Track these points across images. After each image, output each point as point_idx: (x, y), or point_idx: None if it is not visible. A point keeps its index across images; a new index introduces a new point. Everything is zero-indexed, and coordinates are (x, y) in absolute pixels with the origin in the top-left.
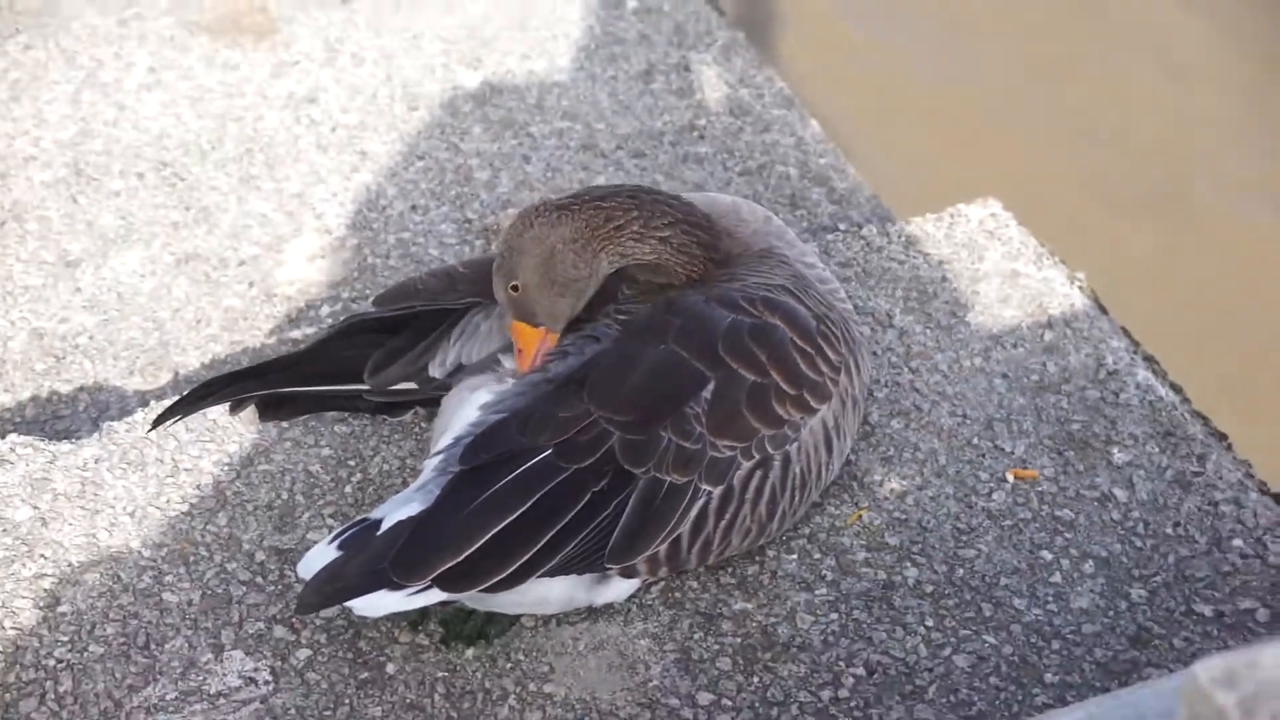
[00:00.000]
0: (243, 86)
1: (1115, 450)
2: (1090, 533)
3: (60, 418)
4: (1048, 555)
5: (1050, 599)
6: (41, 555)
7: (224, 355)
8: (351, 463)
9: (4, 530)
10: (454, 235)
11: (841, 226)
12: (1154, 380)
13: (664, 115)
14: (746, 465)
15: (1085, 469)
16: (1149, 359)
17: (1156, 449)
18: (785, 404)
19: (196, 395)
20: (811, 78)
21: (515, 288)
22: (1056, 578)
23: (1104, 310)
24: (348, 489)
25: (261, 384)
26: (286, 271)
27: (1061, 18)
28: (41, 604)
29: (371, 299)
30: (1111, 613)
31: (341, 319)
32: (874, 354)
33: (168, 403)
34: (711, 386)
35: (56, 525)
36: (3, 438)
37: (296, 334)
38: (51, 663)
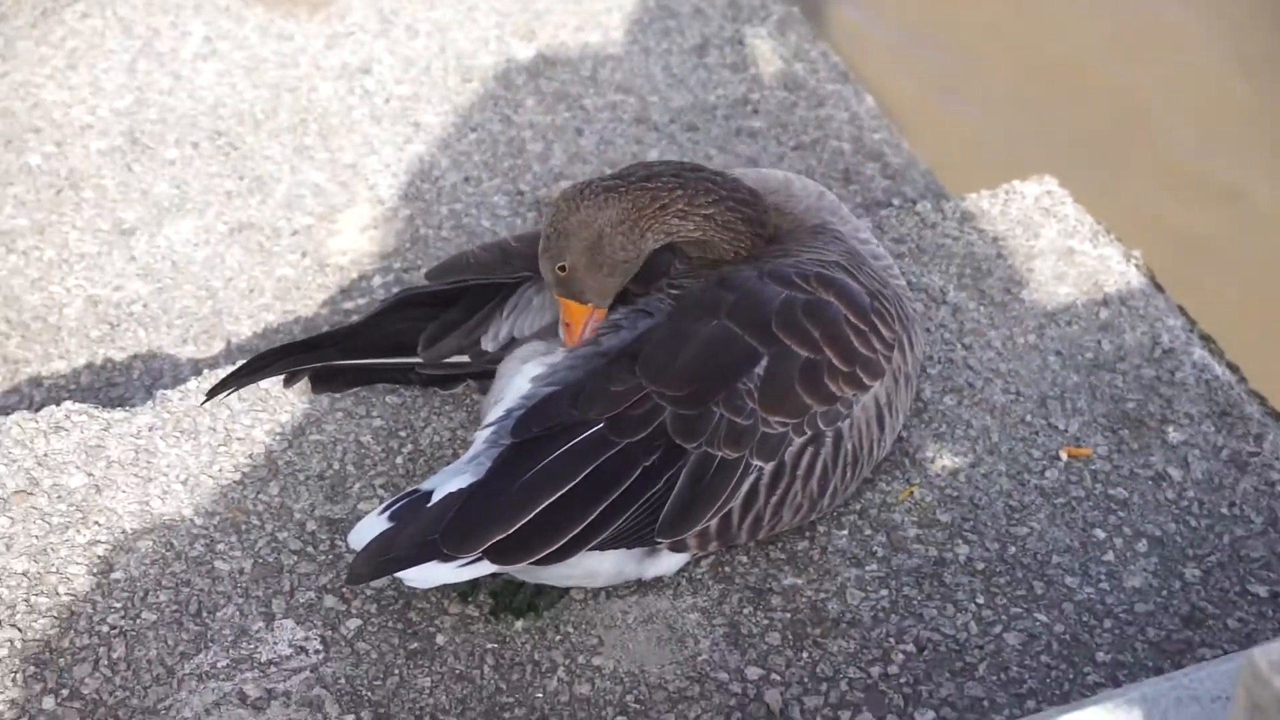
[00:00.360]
0: (297, 57)
1: (1170, 429)
2: (1144, 512)
3: (114, 385)
4: (1101, 534)
5: (1103, 578)
6: (95, 522)
7: (276, 325)
8: (403, 434)
9: (59, 496)
10: (506, 207)
11: (895, 202)
12: (1210, 359)
13: (718, 89)
14: (798, 441)
15: (1140, 448)
16: (1205, 337)
17: (1212, 428)
18: (838, 380)
19: (251, 367)
20: (866, 52)
21: (563, 269)
22: (1109, 556)
23: (1160, 288)
24: (399, 460)
25: (315, 356)
26: (339, 242)
27: None
28: (95, 570)
29: (424, 271)
30: (1165, 592)
31: (394, 292)
32: (927, 330)
33: (221, 372)
34: (764, 362)
35: (110, 492)
36: (58, 404)
37: (349, 304)
38: (105, 629)
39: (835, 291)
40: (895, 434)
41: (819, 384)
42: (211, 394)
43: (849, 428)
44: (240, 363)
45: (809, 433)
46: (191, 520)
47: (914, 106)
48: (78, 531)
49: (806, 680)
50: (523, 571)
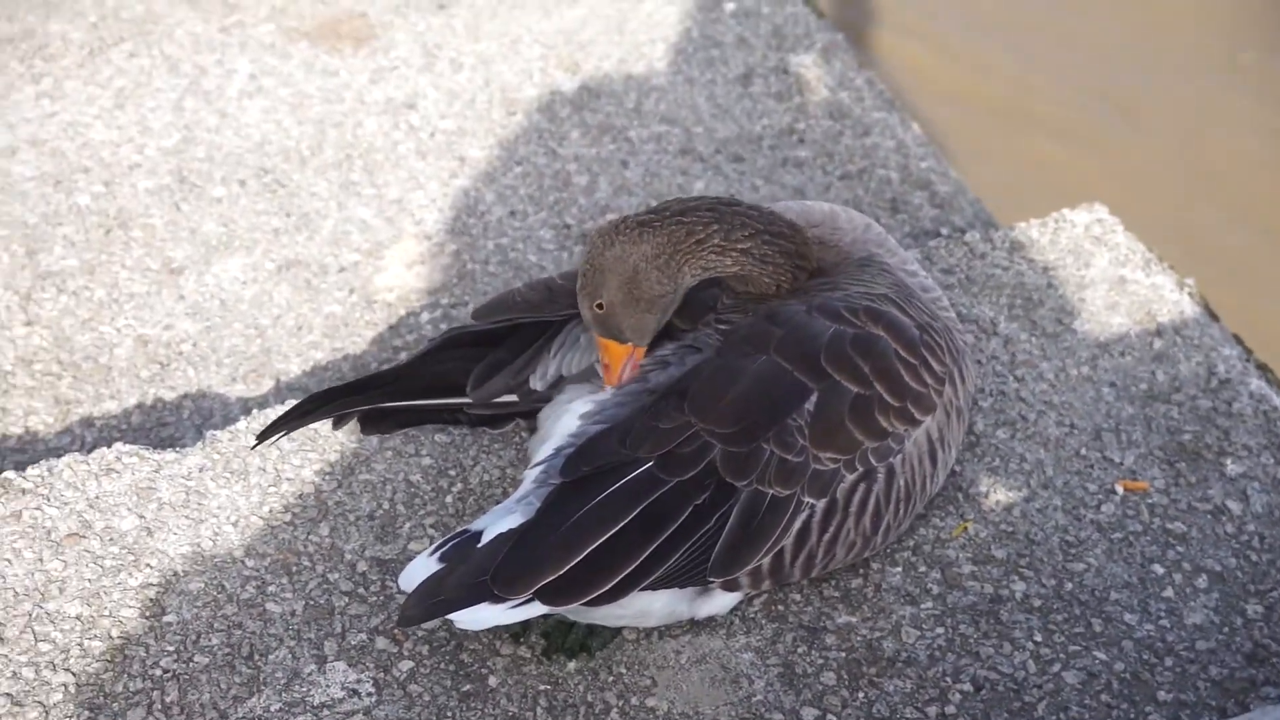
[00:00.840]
0: (342, 92)
1: (1228, 461)
2: (1203, 546)
3: (165, 425)
4: (1159, 569)
5: (1163, 614)
6: (147, 564)
7: (325, 362)
8: (452, 472)
9: (111, 539)
10: (552, 241)
11: (944, 231)
12: (1268, 389)
13: (763, 119)
14: (850, 478)
15: (1197, 481)
16: (1262, 367)
17: (1271, 460)
18: (889, 415)
19: (301, 410)
20: (912, 79)
21: (600, 306)
22: (1169, 592)
23: (1215, 317)
24: (448, 499)
25: (364, 399)
26: (386, 278)
27: (1169, 22)
28: (148, 613)
29: (471, 310)
30: (1227, 629)
31: (442, 329)
32: (978, 363)
33: (270, 411)
34: (814, 398)
35: (162, 534)
36: (109, 446)
37: (397, 341)
38: (158, 672)
39: (884, 325)
40: (948, 469)
41: (870, 419)
42: (262, 438)
43: (901, 463)
44: (290, 403)
45: (861, 469)
46: (243, 562)
47: (960, 133)
48: (130, 574)
49: None
50: (574, 612)
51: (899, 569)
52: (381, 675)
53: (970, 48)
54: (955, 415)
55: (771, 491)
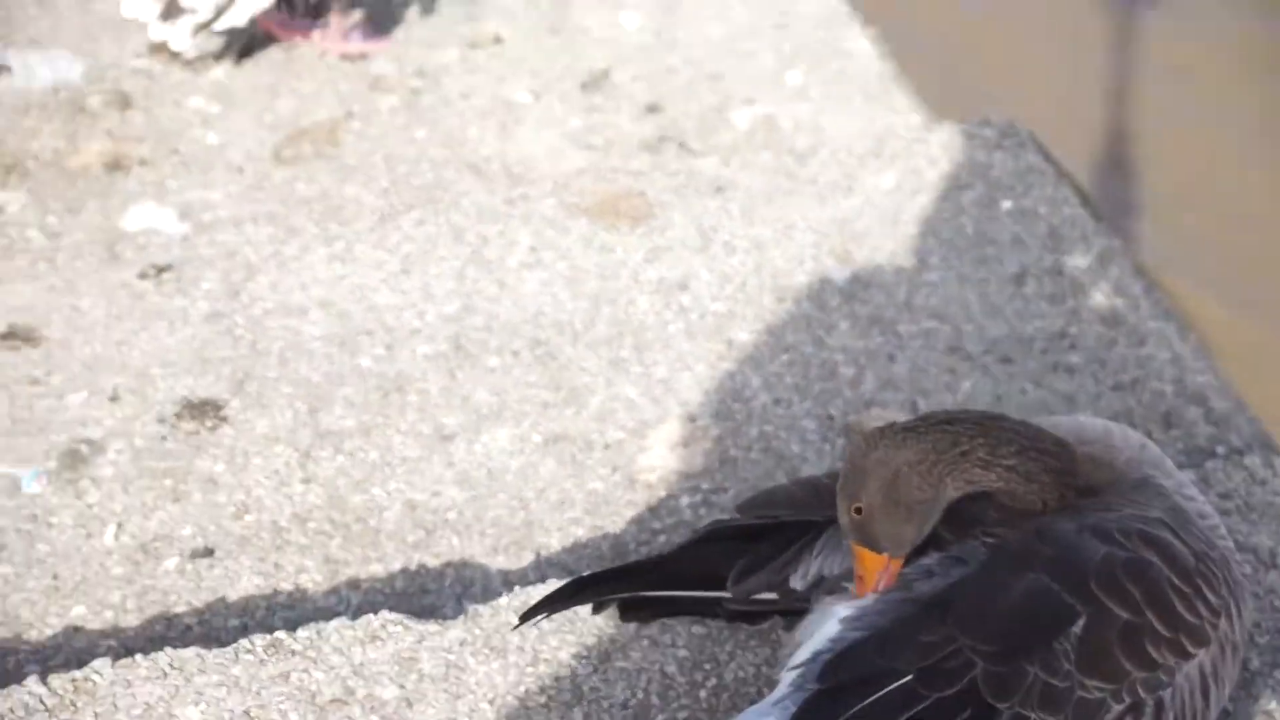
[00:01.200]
0: (617, 269)
1: None
2: None
3: (427, 592)
4: None
5: None
6: None
7: (585, 539)
8: (707, 666)
9: (372, 708)
10: (815, 432)
11: (1219, 450)
12: None
13: (1034, 321)
14: (1116, 709)
15: None
16: None
17: None
18: (1160, 646)
19: (565, 593)
20: (1189, 290)
21: (859, 510)
22: None
23: None
24: (702, 693)
25: (628, 585)
26: (649, 458)
27: None
28: None
29: (732, 498)
30: None
31: (705, 524)
32: (1255, 596)
33: (531, 588)
34: (1082, 622)
35: (420, 707)
36: (375, 612)
37: (656, 524)
38: None
39: (1158, 551)
40: (1220, 707)
41: (1140, 649)
42: (525, 618)
43: (1171, 697)
44: (550, 580)
45: (1128, 700)
46: None
47: (1236, 348)
48: None
49: None
50: None
51: None
52: None
53: (1249, 257)
54: (1230, 650)
55: (1034, 716)
